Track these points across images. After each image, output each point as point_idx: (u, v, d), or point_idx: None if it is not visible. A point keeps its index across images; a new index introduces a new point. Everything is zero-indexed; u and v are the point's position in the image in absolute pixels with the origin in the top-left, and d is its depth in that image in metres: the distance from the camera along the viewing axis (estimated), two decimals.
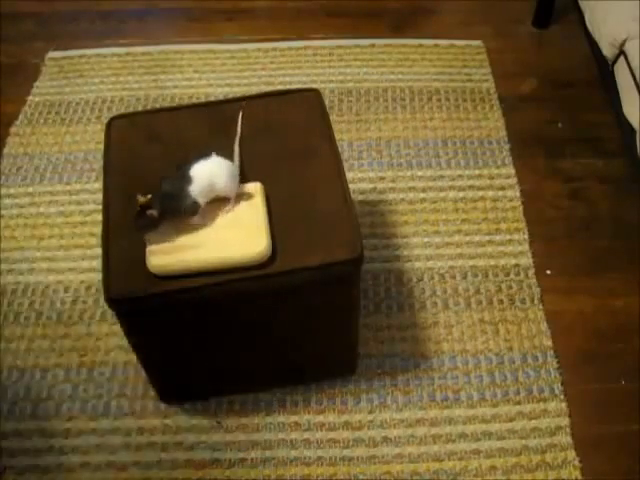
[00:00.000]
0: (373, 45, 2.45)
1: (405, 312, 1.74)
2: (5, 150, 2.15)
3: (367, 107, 2.24)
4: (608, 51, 1.87)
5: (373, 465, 1.50)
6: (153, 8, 2.67)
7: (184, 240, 1.29)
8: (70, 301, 1.78)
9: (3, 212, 1.97)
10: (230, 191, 1.34)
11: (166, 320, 1.36)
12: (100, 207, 1.42)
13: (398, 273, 1.82)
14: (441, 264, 1.83)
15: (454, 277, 1.81)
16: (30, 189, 2.03)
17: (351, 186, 1.43)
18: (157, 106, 2.24)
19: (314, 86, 1.68)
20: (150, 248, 1.28)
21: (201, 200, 1.30)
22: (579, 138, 2.15)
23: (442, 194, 1.99)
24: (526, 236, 1.89)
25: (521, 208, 1.95)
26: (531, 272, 1.81)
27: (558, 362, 1.65)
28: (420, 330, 1.71)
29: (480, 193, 1.99)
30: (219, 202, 1.35)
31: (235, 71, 2.37)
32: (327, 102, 1.71)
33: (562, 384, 1.61)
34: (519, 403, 1.58)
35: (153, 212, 1.24)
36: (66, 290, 1.80)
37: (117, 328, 1.55)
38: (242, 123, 1.50)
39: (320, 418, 1.57)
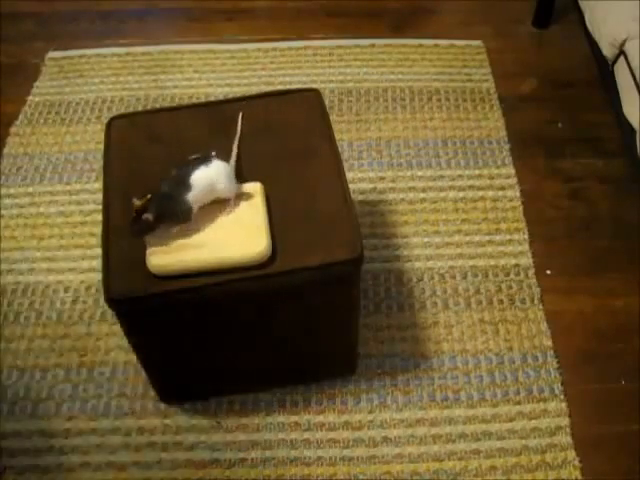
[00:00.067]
0: (373, 45, 2.45)
1: (405, 312, 1.74)
2: (5, 150, 2.15)
3: (367, 107, 2.24)
4: (608, 51, 1.88)
5: (373, 465, 1.50)
6: (153, 8, 2.67)
7: (184, 240, 1.29)
8: (70, 301, 1.78)
9: (3, 212, 1.97)
10: (229, 193, 1.34)
11: (166, 320, 1.36)
12: (100, 207, 1.42)
13: (398, 273, 1.82)
14: (441, 264, 1.83)
15: (454, 277, 1.81)
16: (30, 189, 2.03)
17: (351, 186, 1.43)
18: (157, 106, 2.24)
19: (314, 86, 1.68)
20: (150, 248, 1.28)
21: (196, 206, 1.30)
22: (579, 138, 2.15)
23: (442, 194, 1.99)
24: (526, 236, 1.89)
25: (521, 208, 1.95)
26: (531, 272, 1.81)
27: (558, 362, 1.65)
28: (420, 330, 1.71)
29: (480, 193, 1.99)
30: (219, 202, 1.35)
31: (235, 71, 2.37)
32: (327, 102, 1.71)
33: (562, 384, 1.61)
34: (519, 403, 1.58)
35: (148, 216, 1.24)
36: (66, 290, 1.80)
37: (117, 328, 1.55)
38: (242, 123, 1.50)
39: (320, 418, 1.57)
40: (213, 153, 1.40)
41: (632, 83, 1.75)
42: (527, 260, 1.84)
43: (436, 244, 1.87)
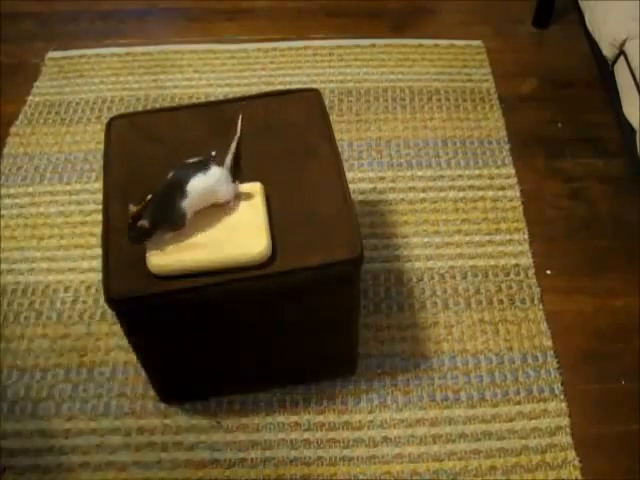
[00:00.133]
0: (373, 45, 2.45)
1: (405, 312, 1.74)
2: (5, 150, 2.15)
3: (367, 107, 2.24)
4: (608, 51, 1.88)
5: (373, 465, 1.50)
6: (153, 8, 2.67)
7: (184, 240, 1.29)
8: (70, 301, 1.78)
9: (3, 212, 1.97)
10: (227, 198, 1.33)
11: (166, 320, 1.36)
12: (100, 207, 1.42)
13: (398, 273, 1.82)
14: (441, 264, 1.83)
15: (454, 277, 1.81)
16: (30, 189, 2.03)
17: (351, 186, 1.43)
18: (157, 106, 2.24)
19: (314, 86, 1.68)
20: (150, 248, 1.28)
21: (191, 211, 1.29)
22: (579, 138, 2.15)
23: (442, 194, 1.99)
24: (526, 236, 1.89)
25: (521, 208, 1.95)
26: (531, 272, 1.81)
27: (558, 362, 1.65)
28: (420, 330, 1.71)
29: (480, 193, 1.99)
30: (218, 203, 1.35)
31: (235, 71, 2.37)
32: (327, 102, 1.71)
33: (562, 384, 1.61)
34: (519, 403, 1.58)
35: (144, 223, 1.23)
36: (66, 290, 1.80)
37: (117, 328, 1.56)
38: (242, 123, 1.50)
39: (320, 418, 1.57)
40: (213, 153, 1.40)
41: (632, 83, 1.75)
42: (527, 260, 1.84)
43: (436, 244, 1.87)
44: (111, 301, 1.27)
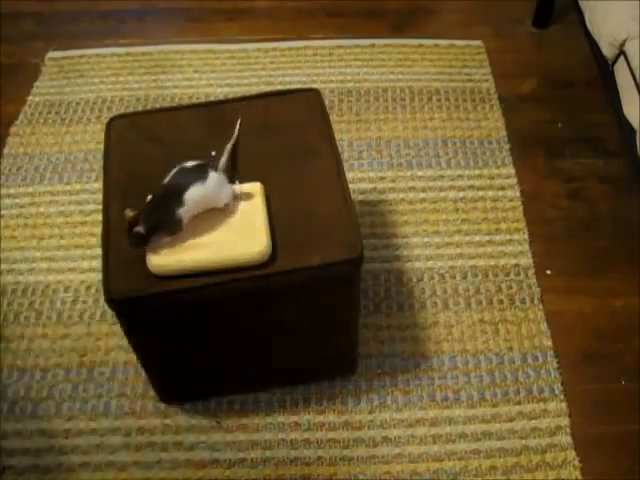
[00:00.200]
0: (373, 45, 2.45)
1: (405, 312, 1.74)
2: (5, 150, 2.15)
3: (367, 107, 2.24)
4: (608, 51, 1.88)
5: (373, 465, 1.50)
6: (152, 8, 2.67)
7: (184, 240, 1.29)
8: (70, 301, 1.78)
9: (3, 212, 1.97)
10: (226, 202, 1.32)
11: (166, 320, 1.36)
12: (100, 207, 1.42)
13: (398, 273, 1.82)
14: (441, 264, 1.83)
15: (454, 277, 1.81)
16: (30, 189, 2.03)
17: (351, 186, 1.43)
18: (157, 106, 2.24)
19: (314, 86, 1.68)
20: (150, 248, 1.28)
21: (187, 216, 1.28)
22: (579, 138, 2.15)
23: (442, 194, 1.99)
24: (526, 236, 1.89)
25: (521, 208, 1.95)
26: (531, 272, 1.81)
27: (558, 362, 1.65)
28: (420, 330, 1.71)
29: (480, 193, 1.99)
30: None
31: (235, 71, 2.37)
32: (327, 102, 1.71)
33: (562, 384, 1.61)
34: (519, 403, 1.58)
35: (139, 229, 1.23)
36: (66, 290, 1.80)
37: (117, 328, 1.56)
38: (242, 123, 1.50)
39: (320, 418, 1.57)
40: (213, 153, 1.40)
41: (632, 83, 1.75)
42: (527, 260, 1.84)
43: (436, 244, 1.87)
44: (111, 301, 1.27)
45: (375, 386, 1.62)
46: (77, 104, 2.28)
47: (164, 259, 1.27)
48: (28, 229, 1.93)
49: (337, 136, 1.53)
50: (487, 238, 1.89)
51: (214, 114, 1.55)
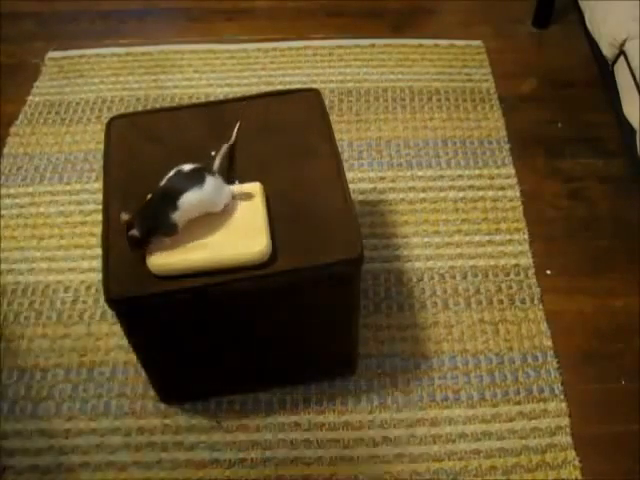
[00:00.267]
0: (373, 45, 2.45)
1: (405, 312, 1.74)
2: (5, 150, 2.15)
3: (367, 107, 2.24)
4: (608, 51, 1.88)
5: (373, 465, 1.50)
6: (153, 8, 2.67)
7: (184, 240, 1.29)
8: (70, 301, 1.78)
9: (3, 212, 1.97)
10: (223, 205, 1.32)
11: (166, 320, 1.36)
12: (100, 207, 1.42)
13: (398, 273, 1.82)
14: (441, 264, 1.83)
15: (454, 277, 1.81)
16: (30, 189, 2.03)
17: (351, 186, 1.43)
18: (157, 106, 2.24)
19: (314, 86, 1.68)
20: (150, 248, 1.28)
21: (183, 221, 1.28)
22: (579, 138, 2.15)
23: (442, 194, 1.99)
24: (526, 236, 1.89)
25: (521, 208, 1.95)
26: (531, 272, 1.81)
27: (558, 362, 1.65)
28: (420, 330, 1.71)
29: (480, 193, 1.99)
30: None
31: (235, 71, 2.37)
32: (327, 102, 1.71)
33: (562, 384, 1.61)
34: (519, 403, 1.58)
35: (134, 233, 1.23)
36: (66, 290, 1.80)
37: (117, 328, 1.56)
38: (242, 123, 1.50)
39: (320, 418, 1.57)
40: (213, 153, 1.40)
41: (632, 83, 1.75)
42: (527, 260, 1.84)
43: (436, 244, 1.87)
44: (111, 301, 1.27)
45: (375, 386, 1.62)
46: (77, 104, 2.28)
47: (164, 259, 1.27)
48: (28, 229, 1.93)
49: (337, 136, 1.53)
50: (487, 238, 1.89)
51: (214, 114, 1.55)
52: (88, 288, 1.80)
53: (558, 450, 1.51)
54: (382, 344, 1.68)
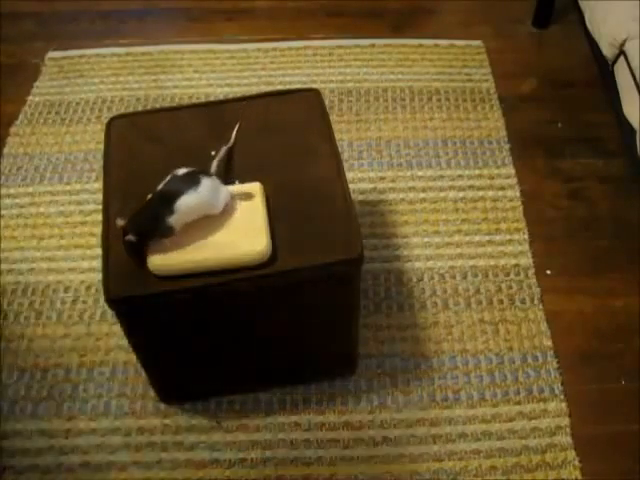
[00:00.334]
0: (373, 45, 2.45)
1: (405, 312, 1.74)
2: (5, 150, 2.15)
3: (367, 107, 2.24)
4: (608, 51, 1.88)
5: (373, 465, 1.50)
6: (153, 8, 2.67)
7: (184, 240, 1.29)
8: (70, 301, 1.78)
9: (3, 212, 1.97)
10: (220, 208, 1.31)
11: (166, 320, 1.36)
12: (100, 207, 1.42)
13: (398, 273, 1.82)
14: (441, 264, 1.83)
15: (454, 277, 1.81)
16: (30, 189, 2.03)
17: (351, 186, 1.43)
18: (157, 106, 2.24)
19: (314, 86, 1.68)
20: (150, 249, 1.28)
21: (180, 224, 1.27)
22: (579, 138, 2.15)
23: (442, 194, 1.99)
24: (526, 236, 1.89)
25: (521, 208, 1.95)
26: (531, 272, 1.81)
27: (558, 362, 1.65)
28: (420, 330, 1.71)
29: (480, 193, 1.99)
30: None
31: (235, 71, 2.37)
32: (327, 102, 1.71)
33: (562, 384, 1.61)
34: (519, 403, 1.58)
35: (131, 238, 1.23)
36: (66, 290, 1.80)
37: (117, 328, 1.56)
38: (242, 123, 1.50)
39: (320, 418, 1.57)
40: (213, 153, 1.40)
41: (632, 83, 1.75)
42: (527, 260, 1.84)
43: (436, 244, 1.87)
44: (111, 301, 1.27)
45: (375, 386, 1.62)
46: (77, 104, 2.28)
47: (164, 259, 1.27)
48: (28, 229, 1.93)
49: (337, 136, 1.53)
50: (487, 238, 1.89)
51: (214, 114, 1.55)
52: (88, 288, 1.80)
53: (558, 450, 1.51)
54: (382, 344, 1.68)
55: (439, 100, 2.26)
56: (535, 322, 1.72)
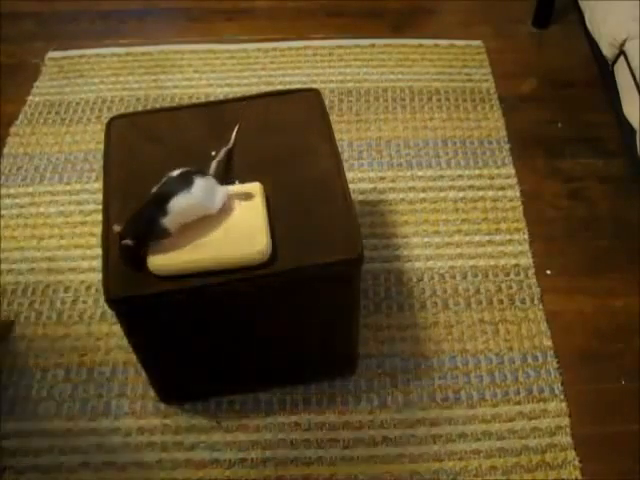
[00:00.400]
0: (373, 45, 2.45)
1: (405, 312, 1.74)
2: (5, 150, 2.15)
3: (367, 107, 2.24)
4: (608, 51, 1.88)
5: (373, 465, 1.50)
6: (153, 8, 2.67)
7: (184, 240, 1.29)
8: (70, 301, 1.78)
9: (3, 212, 1.97)
10: (217, 208, 1.31)
11: (166, 320, 1.36)
12: (100, 207, 1.42)
13: (398, 273, 1.82)
14: (441, 264, 1.83)
15: (454, 277, 1.81)
16: (30, 189, 2.03)
17: (351, 186, 1.43)
18: (157, 106, 2.24)
19: (314, 86, 1.68)
20: (150, 249, 1.28)
21: (175, 226, 1.27)
22: (579, 138, 2.15)
23: (442, 194, 1.99)
24: (526, 236, 1.89)
25: (521, 208, 1.95)
26: (531, 272, 1.81)
27: (558, 362, 1.65)
28: (420, 330, 1.71)
29: (480, 193, 1.99)
30: None
31: (235, 71, 2.37)
32: (327, 102, 1.71)
33: (562, 384, 1.61)
34: (519, 403, 1.58)
35: (128, 242, 1.23)
36: (66, 290, 1.80)
37: (117, 328, 1.56)
38: (242, 123, 1.50)
39: (320, 418, 1.57)
40: (213, 153, 1.41)
41: (632, 83, 1.75)
42: (527, 260, 1.84)
43: (436, 244, 1.87)
44: (111, 301, 1.27)
45: (375, 386, 1.62)
46: (77, 104, 2.28)
47: (164, 259, 1.27)
48: (28, 229, 1.93)
49: (337, 136, 1.53)
50: (487, 238, 1.89)
51: (214, 114, 1.55)
52: (88, 288, 1.80)
53: (558, 450, 1.51)
54: (382, 344, 1.68)
55: (439, 100, 2.26)
56: (535, 322, 1.72)
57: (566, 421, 1.55)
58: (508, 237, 1.89)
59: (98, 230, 1.42)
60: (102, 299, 1.33)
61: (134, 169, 1.44)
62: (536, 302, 1.75)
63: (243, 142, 1.47)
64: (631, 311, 1.74)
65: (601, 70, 2.01)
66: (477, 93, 2.28)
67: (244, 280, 1.27)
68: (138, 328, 1.38)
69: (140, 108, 2.23)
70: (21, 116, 2.24)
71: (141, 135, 1.51)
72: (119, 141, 1.51)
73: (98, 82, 2.34)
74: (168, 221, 1.25)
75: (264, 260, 1.28)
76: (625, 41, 1.79)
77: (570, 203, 1.98)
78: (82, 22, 2.60)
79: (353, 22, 2.56)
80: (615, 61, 1.87)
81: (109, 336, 1.70)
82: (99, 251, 1.35)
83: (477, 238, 1.89)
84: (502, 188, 2.00)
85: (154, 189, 1.28)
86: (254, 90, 2.22)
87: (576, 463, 1.49)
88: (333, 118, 1.60)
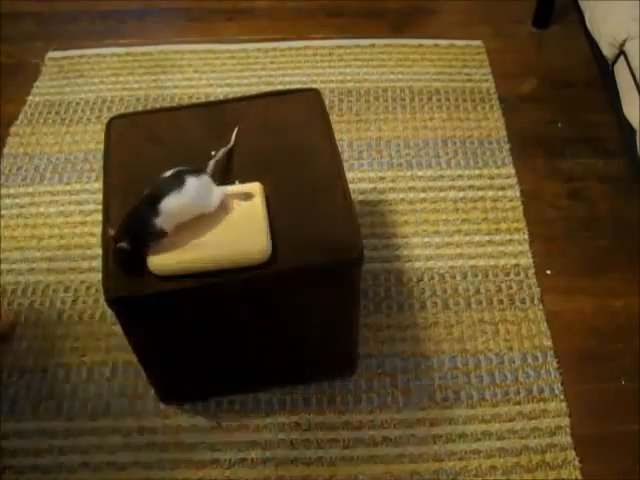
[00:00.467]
0: (373, 45, 2.45)
1: (405, 312, 1.74)
2: (5, 150, 2.15)
3: (367, 107, 2.24)
4: (608, 51, 1.88)
5: (373, 465, 1.50)
6: (153, 8, 2.67)
7: (184, 240, 1.29)
8: (70, 301, 1.78)
9: (3, 212, 1.97)
10: (211, 207, 1.31)
11: (166, 320, 1.36)
12: (100, 207, 1.42)
13: (398, 273, 1.82)
14: (441, 264, 1.83)
15: (454, 277, 1.81)
16: (30, 189, 2.03)
17: (351, 186, 1.43)
18: (157, 106, 2.24)
19: (314, 86, 1.68)
20: (150, 249, 1.28)
21: (171, 227, 1.26)
22: (579, 138, 2.15)
23: (442, 194, 1.99)
24: (526, 236, 1.89)
25: (521, 208, 1.95)
26: (531, 272, 1.81)
27: (558, 362, 1.65)
28: (420, 330, 1.71)
29: (480, 193, 1.99)
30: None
31: (235, 71, 2.37)
32: (327, 102, 1.71)
33: (562, 384, 1.61)
34: (519, 403, 1.58)
35: (123, 245, 1.23)
36: (66, 290, 1.80)
37: (117, 328, 1.55)
38: (242, 123, 1.50)
39: (320, 418, 1.57)
40: (213, 153, 1.40)
41: (632, 83, 1.75)
42: (527, 260, 1.84)
43: (436, 244, 1.87)
44: (111, 301, 1.27)
45: (375, 386, 1.62)
46: (77, 104, 2.28)
47: (164, 259, 1.27)
48: (28, 229, 1.93)
49: (337, 136, 1.53)
50: (487, 238, 1.89)
51: (214, 114, 1.55)
52: (88, 288, 1.80)
53: (558, 450, 1.51)
54: (382, 344, 1.68)
55: (439, 100, 2.26)
56: (535, 322, 1.72)
57: (566, 421, 1.55)
58: (508, 237, 1.89)
59: (98, 230, 1.42)
60: (102, 299, 1.33)
61: (134, 169, 1.44)
62: (536, 302, 1.75)
63: (243, 142, 1.47)
64: (631, 311, 1.74)
65: (601, 70, 2.01)
66: (477, 93, 2.28)
67: (244, 280, 1.27)
68: (138, 328, 1.38)
69: (140, 108, 2.23)
70: (21, 116, 2.24)
71: (141, 135, 1.51)
72: (119, 141, 1.51)
73: (98, 82, 2.34)
74: (162, 221, 1.25)
75: (264, 260, 1.28)
76: (625, 41, 1.79)
77: (570, 203, 1.98)
78: (82, 22, 2.60)
79: (353, 22, 2.56)
80: (615, 61, 1.87)
81: (109, 336, 1.70)
82: (99, 251, 1.35)
83: (477, 238, 1.89)
84: (502, 188, 2.00)
85: (146, 190, 1.28)
86: (254, 90, 2.22)
87: (576, 463, 1.49)
88: (333, 118, 1.60)
